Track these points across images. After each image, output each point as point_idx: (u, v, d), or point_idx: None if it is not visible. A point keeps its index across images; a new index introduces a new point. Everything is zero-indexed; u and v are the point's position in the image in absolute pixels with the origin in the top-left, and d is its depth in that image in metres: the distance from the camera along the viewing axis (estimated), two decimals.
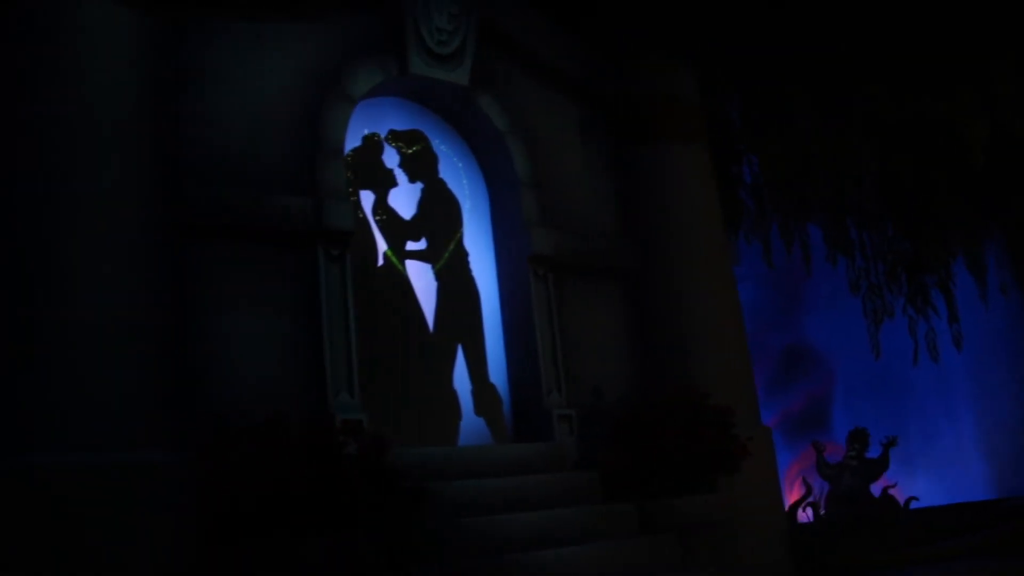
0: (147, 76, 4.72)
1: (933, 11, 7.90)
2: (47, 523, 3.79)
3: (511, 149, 6.41)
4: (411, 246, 6.30)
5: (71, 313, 4.10)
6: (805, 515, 8.83)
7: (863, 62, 7.90)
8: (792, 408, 12.15)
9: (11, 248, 4.16)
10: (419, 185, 6.40)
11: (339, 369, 5.19)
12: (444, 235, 6.36)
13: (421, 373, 6.02)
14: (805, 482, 9.06)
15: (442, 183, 6.45)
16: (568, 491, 5.61)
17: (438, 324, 6.22)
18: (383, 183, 6.23)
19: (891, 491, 9.20)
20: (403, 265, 6.21)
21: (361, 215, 6.05)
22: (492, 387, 6.29)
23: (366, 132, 6.20)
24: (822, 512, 8.78)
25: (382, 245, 6.16)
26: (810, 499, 8.88)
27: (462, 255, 6.40)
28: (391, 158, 6.32)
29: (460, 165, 6.64)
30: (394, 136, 6.29)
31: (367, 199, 6.20)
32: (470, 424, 6.16)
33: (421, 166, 6.35)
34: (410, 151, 6.32)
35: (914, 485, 10.20)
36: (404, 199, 6.35)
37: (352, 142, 6.03)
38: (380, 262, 6.12)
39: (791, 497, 9.42)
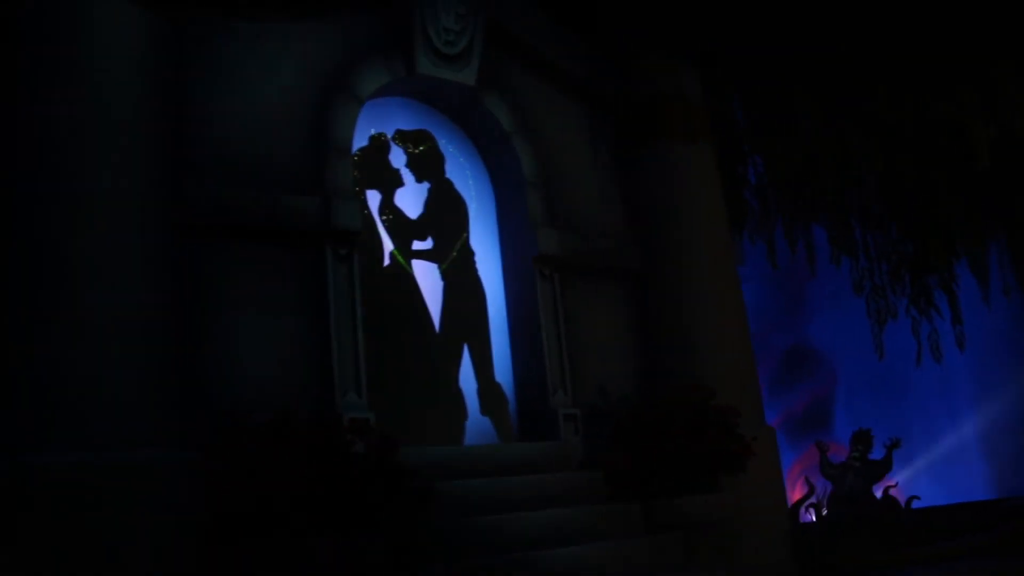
0: (154, 75, 4.73)
1: (937, 11, 7.91)
2: (52, 522, 3.80)
3: (517, 149, 6.43)
4: (417, 246, 6.32)
5: (77, 312, 4.11)
6: (807, 515, 8.86)
7: (867, 63, 7.91)
8: (795, 408, 12.19)
9: (17, 247, 4.17)
10: (426, 185, 6.42)
11: (346, 368, 5.21)
12: (450, 235, 6.38)
13: (427, 372, 6.05)
14: (808, 482, 9.09)
15: (449, 183, 6.47)
16: (573, 490, 5.64)
17: (444, 324, 6.25)
18: (390, 183, 6.25)
19: (892, 491, 9.24)
20: (409, 265, 6.23)
21: (367, 214, 6.07)
22: (498, 386, 6.32)
23: (373, 132, 6.23)
24: (824, 513, 8.81)
25: (388, 245, 6.19)
26: (812, 499, 8.92)
27: (468, 255, 6.42)
28: (398, 158, 6.34)
29: (466, 165, 6.66)
30: (401, 136, 6.31)
31: (373, 199, 6.22)
32: (476, 423, 6.18)
33: (428, 166, 6.37)
34: (417, 151, 6.34)
35: (916, 485, 10.24)
36: (411, 199, 6.38)
37: (359, 142, 6.05)
38: (387, 262, 6.14)
39: (793, 497, 9.46)
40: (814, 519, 8.80)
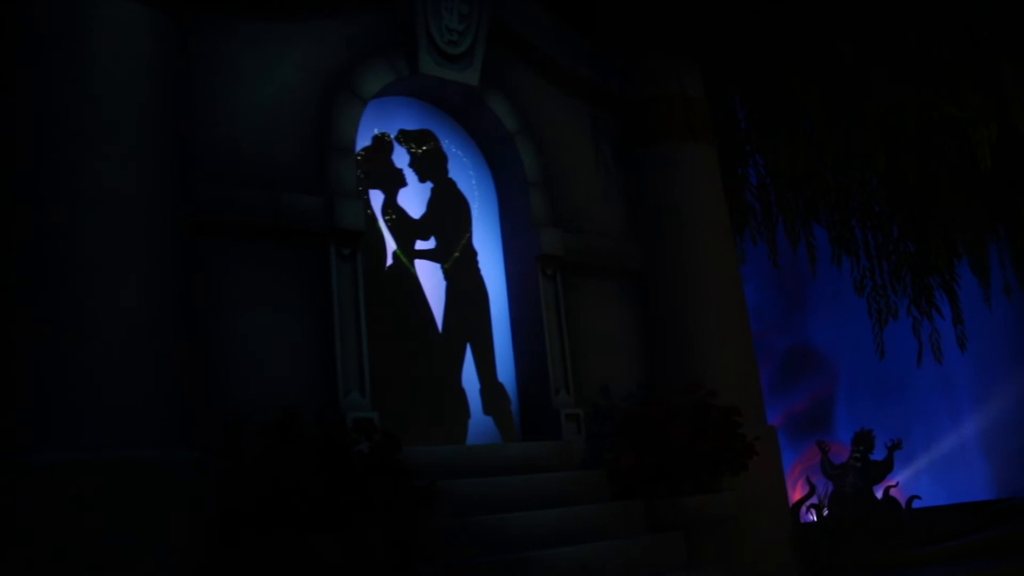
0: (158, 74, 4.72)
1: (941, 12, 7.92)
2: (56, 522, 3.79)
3: (520, 149, 6.44)
4: (420, 245, 6.33)
5: (81, 311, 4.09)
6: (808, 515, 8.88)
7: (870, 63, 7.92)
8: (795, 408, 12.21)
9: (21, 245, 4.15)
10: (428, 185, 6.42)
11: (350, 368, 5.22)
12: (453, 235, 6.39)
13: (430, 372, 6.06)
14: (809, 481, 9.11)
15: (451, 183, 6.48)
16: (576, 489, 5.65)
17: (447, 323, 6.25)
18: (393, 183, 6.26)
19: (893, 491, 9.26)
20: (412, 265, 6.24)
21: (370, 214, 6.07)
22: (500, 386, 6.33)
23: (376, 132, 6.23)
24: (825, 513, 8.83)
25: (391, 245, 6.19)
26: (813, 499, 8.93)
27: (471, 255, 6.43)
28: (401, 158, 6.35)
29: (469, 165, 6.67)
30: (404, 136, 6.32)
31: (376, 199, 6.23)
32: (478, 423, 6.19)
33: (431, 166, 6.38)
34: (420, 151, 6.35)
35: (916, 485, 10.27)
36: (413, 199, 6.38)
37: (362, 141, 6.06)
38: (389, 262, 6.15)
39: (793, 497, 9.47)
40: (815, 519, 8.82)
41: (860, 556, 7.48)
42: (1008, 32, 7.95)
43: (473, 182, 6.65)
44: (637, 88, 7.20)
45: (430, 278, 6.30)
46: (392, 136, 6.30)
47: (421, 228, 6.34)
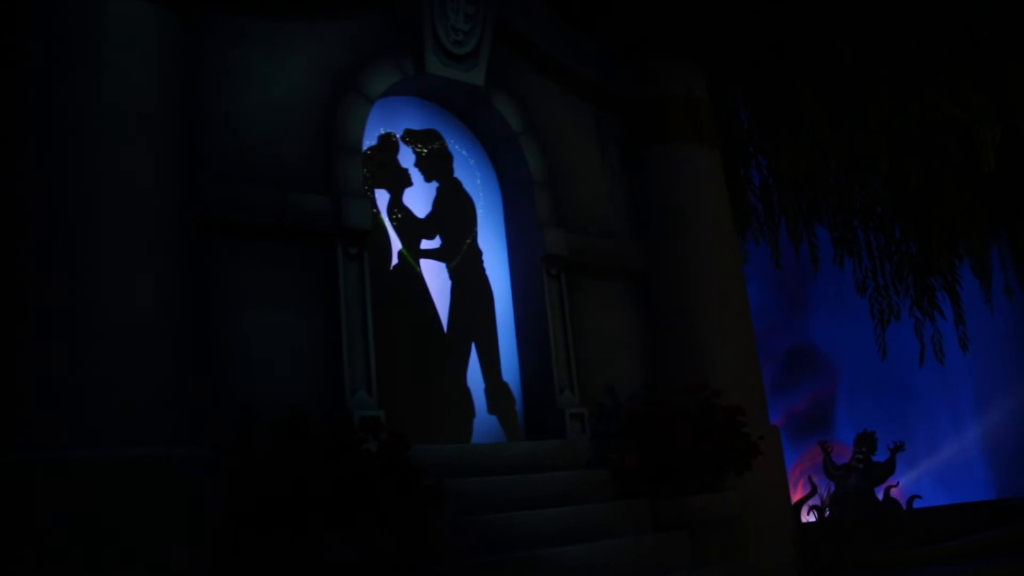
0: (170, 73, 4.74)
1: (943, 12, 7.94)
2: (66, 520, 3.80)
3: (525, 149, 6.46)
4: (426, 245, 6.35)
5: (99, 309, 4.11)
6: (809, 515, 8.90)
7: (873, 63, 7.94)
8: (796, 408, 12.24)
9: (30, 242, 4.18)
10: (434, 184, 6.44)
11: (357, 367, 5.23)
12: (459, 234, 6.41)
13: (435, 371, 6.07)
14: (811, 481, 9.14)
15: (457, 182, 6.50)
16: (581, 488, 5.67)
17: (452, 323, 6.27)
18: (398, 182, 6.27)
19: (893, 491, 9.29)
20: (418, 264, 6.26)
21: (376, 213, 6.09)
22: (505, 385, 6.35)
23: (382, 131, 6.25)
24: (827, 514, 8.86)
25: (397, 244, 6.21)
26: (815, 499, 8.96)
27: (476, 254, 6.45)
28: (406, 157, 6.36)
29: (474, 164, 6.69)
30: (410, 136, 6.33)
31: (382, 198, 6.24)
32: (483, 422, 6.21)
33: (436, 165, 6.40)
34: (426, 151, 6.36)
35: (917, 485, 10.30)
36: (419, 198, 6.40)
37: (368, 141, 6.07)
38: (395, 261, 6.16)
39: (794, 496, 9.50)
40: (816, 519, 8.84)
41: (861, 556, 7.51)
42: (1011, 33, 7.97)
43: (478, 182, 6.67)
44: (641, 89, 7.22)
45: (435, 277, 6.32)
46: (398, 136, 6.31)
47: (426, 227, 6.36)
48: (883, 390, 11.38)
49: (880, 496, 9.25)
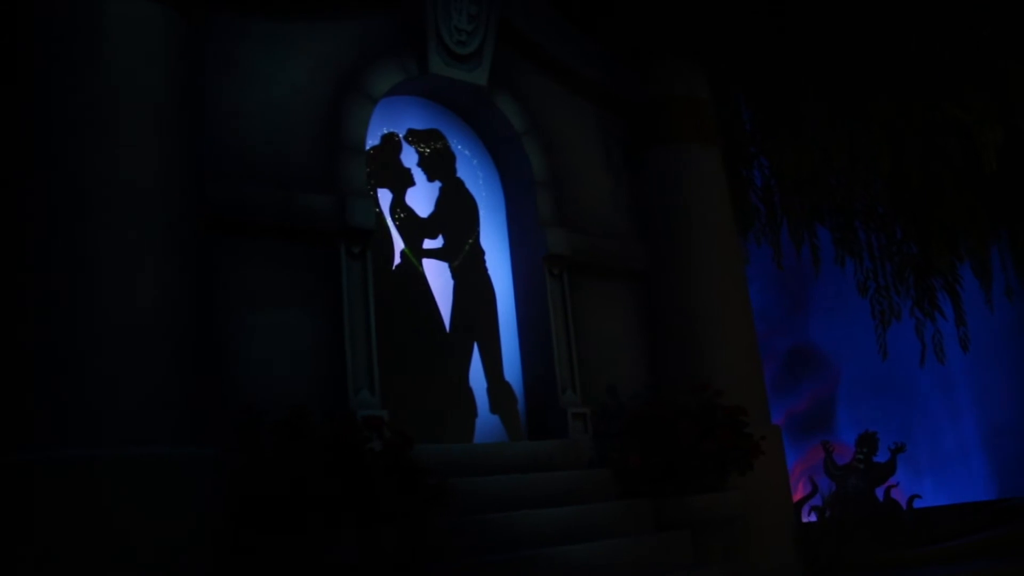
0: (174, 72, 4.74)
1: (944, 13, 7.96)
2: (68, 518, 3.80)
3: (528, 149, 6.46)
4: (428, 244, 6.35)
5: (102, 308, 4.11)
6: (809, 515, 8.91)
7: (874, 64, 7.95)
8: (797, 408, 12.26)
9: (35, 241, 4.18)
10: (437, 184, 6.45)
11: (359, 366, 5.24)
12: (461, 234, 6.42)
13: (437, 371, 6.08)
14: (811, 481, 9.14)
15: (460, 182, 6.50)
16: (583, 488, 5.68)
17: (454, 322, 6.28)
18: (401, 182, 6.28)
19: (893, 491, 9.29)
20: (420, 264, 6.26)
21: (378, 212, 6.09)
22: (507, 385, 6.36)
23: (385, 131, 6.25)
24: (827, 515, 8.86)
25: (399, 244, 6.21)
26: (815, 499, 8.97)
27: (478, 254, 6.46)
28: (409, 157, 6.37)
29: (477, 164, 6.70)
30: (413, 135, 6.34)
31: (385, 197, 6.25)
32: (485, 422, 6.22)
33: (439, 165, 6.41)
34: (428, 150, 6.37)
35: (917, 485, 10.30)
36: (421, 198, 6.41)
37: (371, 140, 6.08)
38: (397, 261, 6.17)
39: (795, 496, 9.50)
40: (816, 519, 8.85)
41: (861, 556, 7.52)
42: (1012, 33, 7.99)
43: (481, 182, 6.68)
44: (644, 89, 7.23)
45: (438, 277, 6.33)
46: (401, 135, 6.32)
47: (429, 227, 6.36)
48: (883, 390, 11.40)
49: (880, 496, 9.26)
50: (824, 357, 12.36)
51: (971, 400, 11.29)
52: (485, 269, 6.47)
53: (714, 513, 5.77)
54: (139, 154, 4.38)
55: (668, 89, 7.19)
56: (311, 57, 5.63)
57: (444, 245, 6.40)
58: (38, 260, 4.15)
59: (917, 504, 9.26)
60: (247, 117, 5.28)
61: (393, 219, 6.22)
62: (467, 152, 6.64)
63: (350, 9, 5.87)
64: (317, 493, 4.17)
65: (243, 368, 4.90)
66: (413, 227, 6.28)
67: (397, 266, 6.15)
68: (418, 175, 6.38)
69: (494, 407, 6.27)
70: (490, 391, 6.29)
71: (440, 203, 6.42)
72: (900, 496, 9.43)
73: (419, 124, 6.43)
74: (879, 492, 9.30)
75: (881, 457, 9.30)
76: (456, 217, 6.42)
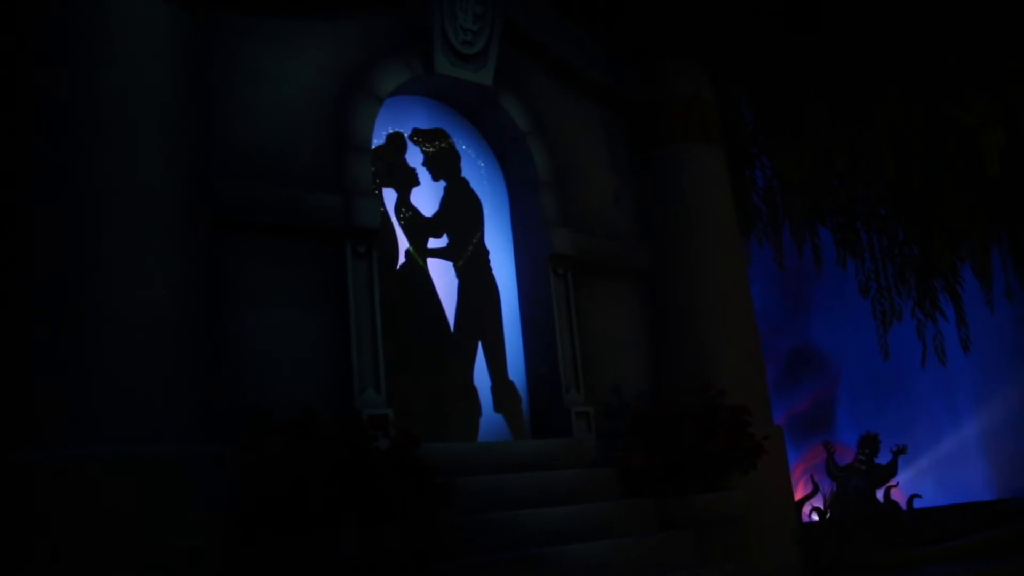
0: (182, 72, 4.74)
1: (947, 15, 7.98)
2: (76, 517, 3.80)
3: (532, 149, 6.48)
4: (433, 244, 6.37)
5: (109, 306, 4.12)
6: (810, 515, 8.94)
7: (878, 66, 7.98)
8: (798, 409, 12.28)
9: (44, 240, 4.18)
10: (441, 183, 6.46)
11: (365, 365, 5.25)
12: (466, 233, 6.43)
13: (442, 370, 6.10)
14: (813, 481, 9.18)
15: (464, 182, 6.52)
16: (587, 487, 5.70)
17: (459, 322, 6.30)
18: (406, 181, 6.29)
19: (893, 491, 9.33)
20: (425, 263, 6.28)
21: (384, 212, 6.10)
22: (511, 384, 6.37)
23: (390, 130, 6.27)
24: (828, 515, 8.89)
25: (404, 243, 6.23)
26: (816, 499, 9.00)
27: (483, 253, 6.47)
28: (414, 156, 6.38)
29: (481, 164, 6.71)
30: (418, 135, 6.35)
31: (390, 197, 6.26)
32: (489, 421, 6.24)
33: (444, 165, 6.42)
34: (433, 150, 6.39)
35: (917, 485, 10.34)
36: (426, 197, 6.42)
37: (376, 140, 6.08)
38: (402, 260, 6.19)
39: (796, 496, 9.52)
40: (816, 519, 8.88)
41: (862, 556, 7.54)
42: (1015, 36, 8.01)
43: (485, 181, 6.69)
44: (647, 90, 7.25)
45: (442, 276, 6.34)
46: (406, 135, 6.33)
47: (434, 226, 6.38)
48: (884, 391, 11.43)
49: (881, 497, 9.30)
50: (825, 357, 12.38)
51: (971, 401, 11.32)
52: (489, 269, 6.49)
53: (717, 513, 5.79)
54: (146, 153, 4.39)
55: (671, 90, 7.21)
56: (318, 56, 5.64)
57: (449, 245, 6.41)
58: (44, 257, 4.15)
59: (917, 504, 9.29)
60: (253, 116, 5.29)
61: (398, 218, 6.23)
62: (472, 152, 6.66)
63: (356, 9, 5.88)
64: (326, 492, 4.18)
65: (249, 366, 4.90)
66: (418, 226, 6.29)
67: (402, 265, 6.17)
68: (423, 174, 6.40)
69: (498, 406, 6.29)
70: (494, 390, 6.31)
71: (445, 203, 6.44)
72: (900, 496, 9.47)
73: (424, 123, 6.44)
74: (879, 493, 9.34)
75: (882, 458, 9.34)
76: (461, 217, 6.44)
